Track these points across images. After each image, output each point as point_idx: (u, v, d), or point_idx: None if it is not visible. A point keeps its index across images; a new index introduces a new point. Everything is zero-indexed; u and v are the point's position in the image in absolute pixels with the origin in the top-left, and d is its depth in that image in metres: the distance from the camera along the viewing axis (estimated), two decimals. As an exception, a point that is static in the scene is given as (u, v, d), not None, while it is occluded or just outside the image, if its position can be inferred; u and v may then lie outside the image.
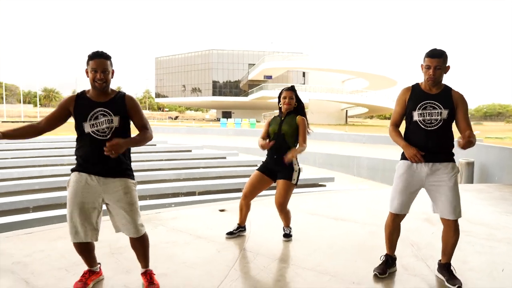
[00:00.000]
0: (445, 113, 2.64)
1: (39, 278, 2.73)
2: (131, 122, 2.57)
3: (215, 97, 62.97)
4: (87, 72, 2.46)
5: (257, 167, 3.68)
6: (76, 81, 71.22)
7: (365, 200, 5.58)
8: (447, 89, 2.73)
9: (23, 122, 43.94)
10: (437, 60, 2.61)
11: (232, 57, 64.63)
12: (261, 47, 66.76)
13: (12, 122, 44.89)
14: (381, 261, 2.95)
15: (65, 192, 8.19)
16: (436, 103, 2.66)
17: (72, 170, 2.54)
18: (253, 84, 59.20)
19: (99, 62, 2.41)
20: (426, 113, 2.67)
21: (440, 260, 2.89)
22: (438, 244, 3.51)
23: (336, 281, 2.77)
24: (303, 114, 3.63)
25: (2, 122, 45.24)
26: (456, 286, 2.65)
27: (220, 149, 16.40)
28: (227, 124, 35.63)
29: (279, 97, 3.61)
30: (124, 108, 2.50)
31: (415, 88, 2.78)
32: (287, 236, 3.66)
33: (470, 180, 8.09)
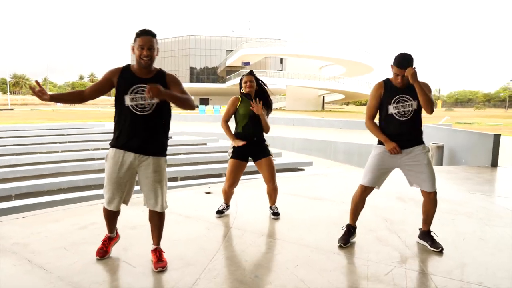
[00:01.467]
0: (415, 104, 2.99)
1: (41, 256, 2.89)
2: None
3: (193, 83, 62.38)
4: (133, 49, 2.56)
5: (229, 156, 3.82)
6: (48, 67, 68.96)
7: (341, 181, 5.93)
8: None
9: (-7, 110, 42.46)
10: (404, 71, 2.92)
11: (209, 43, 64.04)
12: (239, 33, 66.27)
13: (-18, 110, 43.30)
14: (343, 231, 3.28)
15: (46, 179, 8.20)
16: (407, 96, 3.00)
17: (111, 145, 2.66)
18: (231, 71, 59.01)
19: (147, 39, 2.50)
20: (400, 105, 3.00)
21: (420, 228, 3.26)
22: (410, 219, 3.90)
23: (318, 252, 3.06)
24: (265, 96, 3.83)
25: (-29, 110, 43.56)
26: (440, 249, 3.05)
27: (200, 136, 16.52)
28: (206, 110, 35.55)
29: (240, 83, 3.83)
30: (165, 84, 2.56)
31: (387, 83, 3.08)
32: (276, 214, 3.92)
33: (439, 162, 8.57)
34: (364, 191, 3.21)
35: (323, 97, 56.66)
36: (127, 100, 2.54)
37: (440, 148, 8.67)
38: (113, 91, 2.69)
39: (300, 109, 47.23)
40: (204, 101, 60.77)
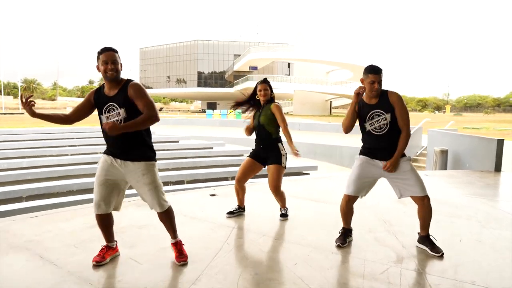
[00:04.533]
0: (388, 116, 3.07)
1: (52, 253, 3.04)
2: None
3: (200, 88, 62.85)
4: (98, 68, 2.72)
5: (248, 155, 4.04)
6: (58, 71, 69.95)
7: (344, 185, 6.01)
8: (383, 94, 3.11)
9: (4, 114, 43.22)
10: (379, 76, 3.04)
11: (217, 48, 64.44)
12: (246, 38, 66.63)
13: (-7, 113, 44.03)
14: (340, 233, 3.39)
15: (56, 182, 8.41)
16: (379, 110, 3.09)
17: (103, 152, 2.89)
18: (239, 75, 59.28)
19: (109, 54, 2.67)
20: (374, 121, 3.11)
21: (419, 233, 3.32)
22: (408, 221, 3.98)
23: (317, 252, 3.17)
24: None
25: (-17, 113, 44.33)
26: (440, 253, 3.10)
27: (207, 140, 16.68)
28: (213, 115, 35.79)
29: (254, 90, 3.94)
30: (127, 98, 2.68)
31: (360, 103, 3.17)
32: (284, 216, 4.04)
33: (444, 167, 8.62)
34: (349, 201, 3.31)
35: (331, 101, 56.65)
36: (104, 119, 2.75)
37: (444, 153, 8.72)
38: None
39: (307, 114, 47.29)
40: (212, 106, 61.20)
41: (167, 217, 2.92)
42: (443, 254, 3.10)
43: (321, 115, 47.36)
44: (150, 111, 2.65)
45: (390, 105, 3.07)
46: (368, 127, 3.15)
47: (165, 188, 2.95)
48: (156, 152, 2.95)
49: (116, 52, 2.73)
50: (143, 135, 2.81)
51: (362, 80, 3.10)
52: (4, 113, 44.07)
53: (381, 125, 3.09)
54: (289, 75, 58.62)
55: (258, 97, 3.91)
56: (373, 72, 3.04)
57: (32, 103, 2.63)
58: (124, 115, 2.71)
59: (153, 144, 2.93)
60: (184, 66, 65.79)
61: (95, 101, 2.80)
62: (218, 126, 25.24)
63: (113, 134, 2.54)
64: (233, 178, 11.09)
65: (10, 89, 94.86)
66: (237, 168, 11.05)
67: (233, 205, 4.20)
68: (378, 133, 3.12)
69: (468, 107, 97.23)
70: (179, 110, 69.50)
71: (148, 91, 2.75)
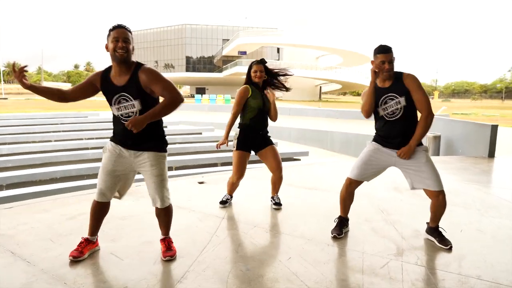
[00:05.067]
0: (402, 100, 2.81)
1: (26, 248, 2.79)
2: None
3: (189, 73, 61.90)
4: (106, 47, 2.41)
5: (234, 148, 3.67)
6: (42, 55, 68.08)
7: (337, 171, 5.84)
8: (398, 76, 2.86)
9: (-13, 98, 41.98)
10: (389, 55, 2.79)
11: (206, 32, 63.32)
12: (235, 22, 65.55)
13: (-25, 98, 42.81)
14: (336, 223, 3.19)
15: (38, 169, 8.09)
16: (393, 94, 2.84)
17: (110, 139, 2.64)
18: (228, 60, 58.51)
19: (121, 31, 2.38)
20: (387, 106, 2.86)
21: (428, 223, 3.15)
22: (406, 210, 3.82)
23: (311, 244, 2.98)
24: (274, 81, 3.70)
25: (-36, 98, 43.06)
26: (449, 246, 2.91)
27: (196, 125, 16.39)
28: (202, 100, 35.31)
29: (249, 70, 3.65)
30: (140, 87, 2.41)
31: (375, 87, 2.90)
32: (278, 204, 3.82)
33: (436, 152, 8.51)
34: (350, 185, 3.10)
35: (320, 87, 56.49)
36: (114, 110, 2.51)
37: (437, 139, 8.59)
38: None
39: (296, 99, 47.01)
40: (201, 91, 60.37)
41: (166, 214, 2.72)
42: (451, 247, 2.92)
43: (310, 100, 47.20)
44: (172, 94, 2.37)
45: (405, 87, 2.82)
46: (381, 112, 2.90)
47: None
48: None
49: (129, 31, 2.43)
50: (157, 124, 2.57)
51: (372, 62, 2.86)
52: (-13, 98, 42.82)
53: (394, 109, 2.85)
54: (278, 60, 58.09)
55: (253, 79, 3.61)
56: (382, 51, 2.79)
57: (24, 73, 2.33)
58: (139, 107, 2.45)
59: None
60: (172, 51, 64.66)
61: (102, 87, 2.50)
62: (207, 111, 24.84)
63: (141, 128, 2.30)
64: (223, 164, 10.90)
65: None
66: (226, 154, 10.94)
67: (223, 193, 3.98)
68: (391, 119, 2.88)
69: (456, 93, 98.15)
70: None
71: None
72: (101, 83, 2.50)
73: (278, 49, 61.81)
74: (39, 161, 9.70)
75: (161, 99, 2.47)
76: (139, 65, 2.46)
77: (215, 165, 10.74)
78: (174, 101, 2.37)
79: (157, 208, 2.70)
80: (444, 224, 3.42)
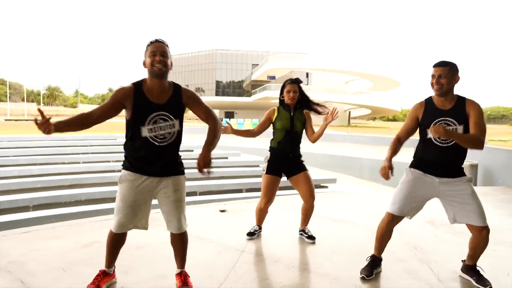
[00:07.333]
0: (460, 129, 2.55)
1: (35, 277, 2.68)
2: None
3: (218, 97, 62.88)
4: (144, 64, 2.30)
5: (264, 171, 3.49)
6: (79, 79, 71.24)
7: (367, 202, 5.52)
8: (461, 101, 2.61)
9: (26, 120, 44.06)
10: (441, 68, 2.56)
11: (236, 57, 64.58)
12: (265, 47, 66.78)
13: (16, 120, 45.02)
14: (367, 262, 2.90)
15: (65, 190, 8.06)
16: (451, 119, 2.57)
17: (124, 167, 2.40)
18: (257, 85, 59.10)
19: (159, 45, 2.28)
20: None
21: (464, 261, 2.87)
22: (442, 247, 3.48)
23: (337, 284, 2.71)
24: (308, 105, 3.51)
25: (5, 120, 45.37)
26: (488, 286, 2.64)
27: (222, 149, 16.34)
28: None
29: (282, 90, 3.48)
30: (181, 107, 2.34)
31: (428, 103, 2.69)
32: (312, 238, 3.57)
33: (474, 183, 8.00)
34: (392, 220, 2.81)
35: (349, 112, 55.85)
36: (145, 132, 2.27)
37: (474, 167, 8.10)
38: None
39: (325, 124, 46.53)
40: (229, 115, 61.07)
41: (182, 240, 2.55)
42: (491, 287, 2.61)
43: (339, 126, 46.61)
44: (216, 118, 2.40)
45: (465, 115, 2.56)
46: (430, 134, 2.60)
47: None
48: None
49: (167, 45, 2.33)
50: (179, 148, 2.46)
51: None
52: (27, 120, 44.89)
53: None
54: (307, 84, 58.17)
55: (285, 99, 3.42)
56: (435, 64, 2.58)
57: (49, 123, 2.07)
58: (178, 128, 2.34)
59: None
60: (203, 75, 66.13)
61: (135, 105, 2.26)
62: (234, 136, 24.86)
63: (208, 167, 2.24)
64: (248, 190, 10.68)
65: (34, 96, 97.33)
66: (253, 180, 10.73)
67: (244, 222, 3.78)
68: (443, 145, 2.60)
69: (492, 118, 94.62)
70: (196, 119, 69.75)
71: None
72: (134, 100, 2.26)
73: (307, 73, 62.04)
74: (67, 182, 9.84)
75: None
76: (177, 84, 2.38)
77: (240, 191, 10.54)
78: (219, 124, 2.40)
79: (173, 234, 2.52)
80: (489, 265, 3.07)
